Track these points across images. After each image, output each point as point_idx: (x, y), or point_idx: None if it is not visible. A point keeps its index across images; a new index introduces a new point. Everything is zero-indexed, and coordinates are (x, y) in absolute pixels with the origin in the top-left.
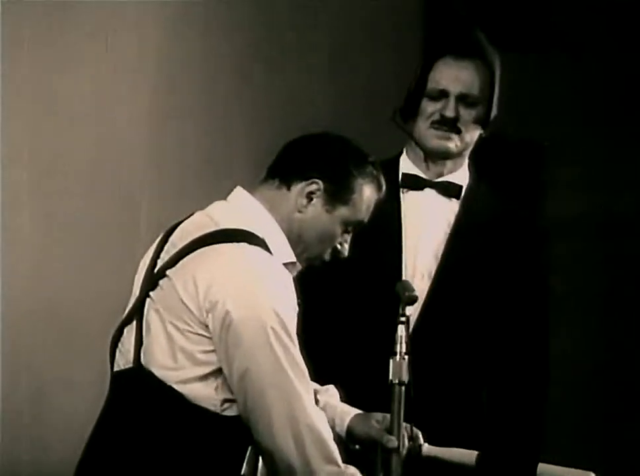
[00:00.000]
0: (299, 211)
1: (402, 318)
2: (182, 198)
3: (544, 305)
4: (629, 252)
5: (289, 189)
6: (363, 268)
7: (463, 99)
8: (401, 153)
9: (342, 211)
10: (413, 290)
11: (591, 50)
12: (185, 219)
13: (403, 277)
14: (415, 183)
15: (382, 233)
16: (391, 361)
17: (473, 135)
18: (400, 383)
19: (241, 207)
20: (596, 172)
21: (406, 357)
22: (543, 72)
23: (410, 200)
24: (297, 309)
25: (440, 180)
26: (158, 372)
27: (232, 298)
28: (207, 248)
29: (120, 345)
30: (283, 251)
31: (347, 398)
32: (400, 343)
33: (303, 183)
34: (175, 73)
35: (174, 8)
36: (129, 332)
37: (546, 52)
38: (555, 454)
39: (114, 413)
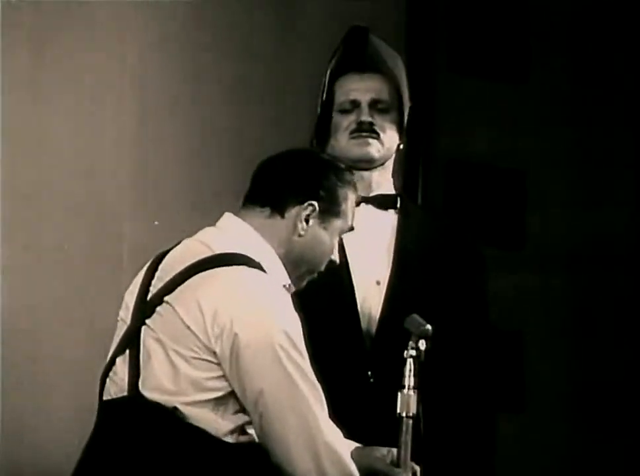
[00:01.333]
0: (299, 235)
1: (413, 352)
2: (167, 227)
3: (487, 322)
4: (608, 273)
5: (283, 216)
6: (315, 289)
7: (374, 105)
8: None
9: (337, 224)
10: (425, 324)
11: (569, 76)
12: (171, 248)
13: (355, 288)
14: None
15: None
16: (399, 394)
17: (391, 141)
18: (409, 416)
19: (234, 233)
20: (575, 195)
21: (414, 391)
22: (521, 97)
23: None
24: (300, 325)
25: (374, 194)
26: (159, 397)
27: (239, 321)
28: (206, 272)
29: (111, 374)
30: (279, 274)
31: None
32: (409, 376)
33: (298, 208)
34: (159, 101)
35: (159, 32)
36: (123, 361)
37: (525, 77)
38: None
39: (110, 439)
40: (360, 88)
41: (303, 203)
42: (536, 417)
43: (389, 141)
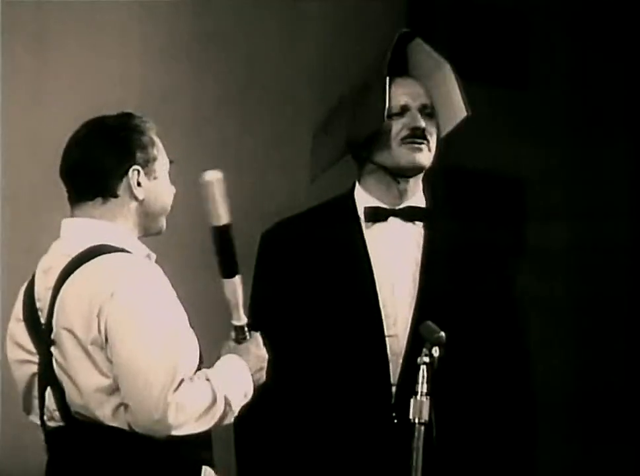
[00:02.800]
0: (139, 200)
1: (426, 359)
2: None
3: (519, 329)
4: (606, 279)
5: (116, 196)
6: (341, 309)
7: (423, 110)
8: (353, 187)
9: (159, 166)
10: (439, 331)
11: (568, 84)
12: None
13: (381, 308)
14: (378, 215)
15: (352, 271)
16: (412, 400)
17: (434, 147)
18: (421, 423)
19: (84, 232)
20: (574, 202)
21: (427, 397)
22: (523, 105)
23: (375, 232)
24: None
25: (402, 206)
26: (90, 418)
27: (108, 298)
28: (71, 277)
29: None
30: (137, 248)
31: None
32: (422, 383)
33: (125, 180)
34: (162, 103)
35: (162, 34)
36: (49, 394)
37: (524, 85)
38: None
39: (66, 463)
40: (410, 93)
41: (127, 173)
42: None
43: (434, 147)
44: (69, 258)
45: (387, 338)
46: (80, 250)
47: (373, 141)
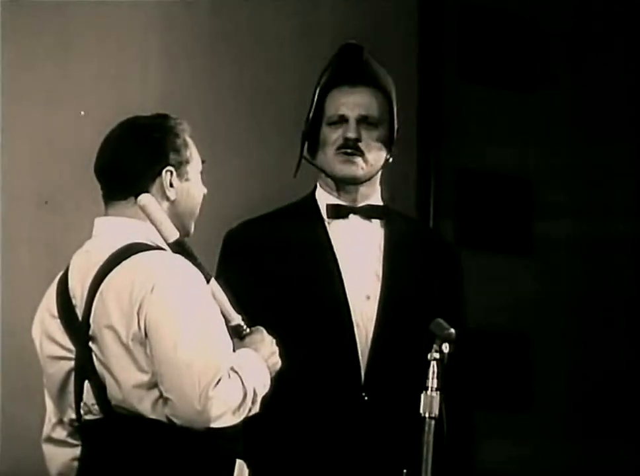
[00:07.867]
0: (171, 200)
1: (437, 355)
2: None
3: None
4: (610, 271)
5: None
6: (309, 300)
7: (363, 121)
8: (315, 188)
9: (192, 168)
10: (449, 328)
11: (574, 87)
12: (67, 269)
13: (349, 302)
14: (340, 211)
15: (319, 266)
16: (422, 395)
17: (377, 157)
18: (431, 417)
19: (118, 232)
20: (581, 202)
21: (437, 392)
22: (529, 107)
23: (336, 229)
24: (202, 277)
25: (362, 204)
26: (132, 412)
27: (146, 293)
28: (108, 277)
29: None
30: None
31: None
32: (433, 378)
33: (159, 180)
34: (180, 108)
35: (180, 43)
36: (87, 388)
37: (531, 88)
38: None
39: (109, 457)
40: (349, 103)
41: (160, 174)
42: (542, 416)
43: (374, 158)
44: (105, 256)
45: (355, 327)
46: (116, 248)
47: (316, 147)
